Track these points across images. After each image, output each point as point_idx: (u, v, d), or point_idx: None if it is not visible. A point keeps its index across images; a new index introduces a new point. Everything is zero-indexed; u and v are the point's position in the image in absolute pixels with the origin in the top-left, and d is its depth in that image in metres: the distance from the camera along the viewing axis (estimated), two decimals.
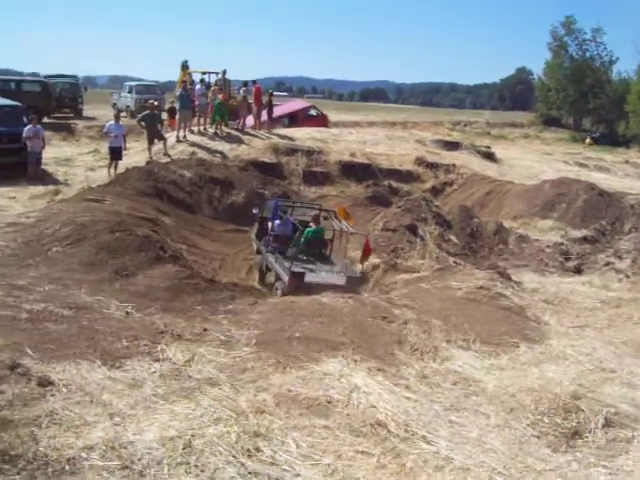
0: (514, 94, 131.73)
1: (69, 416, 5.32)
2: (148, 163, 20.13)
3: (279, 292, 12.65)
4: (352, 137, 28.14)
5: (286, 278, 12.39)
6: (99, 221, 12.40)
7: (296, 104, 37.44)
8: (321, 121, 33.09)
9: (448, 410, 6.06)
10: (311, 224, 14.14)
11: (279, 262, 13.15)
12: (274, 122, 29.13)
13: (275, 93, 37.25)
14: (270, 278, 13.82)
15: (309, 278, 12.58)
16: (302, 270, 12.68)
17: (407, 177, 24.43)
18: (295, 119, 32.27)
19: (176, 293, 10.05)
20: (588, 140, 49.87)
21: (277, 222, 14.28)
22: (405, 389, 6.46)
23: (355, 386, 6.29)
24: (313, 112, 34.47)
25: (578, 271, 14.32)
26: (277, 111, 32.13)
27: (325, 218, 14.79)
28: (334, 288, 11.76)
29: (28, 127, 19.06)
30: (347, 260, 13.85)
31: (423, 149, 28.55)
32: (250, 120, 26.64)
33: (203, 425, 5.34)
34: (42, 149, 19.73)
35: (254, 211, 16.19)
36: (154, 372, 6.54)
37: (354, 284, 12.57)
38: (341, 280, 12.65)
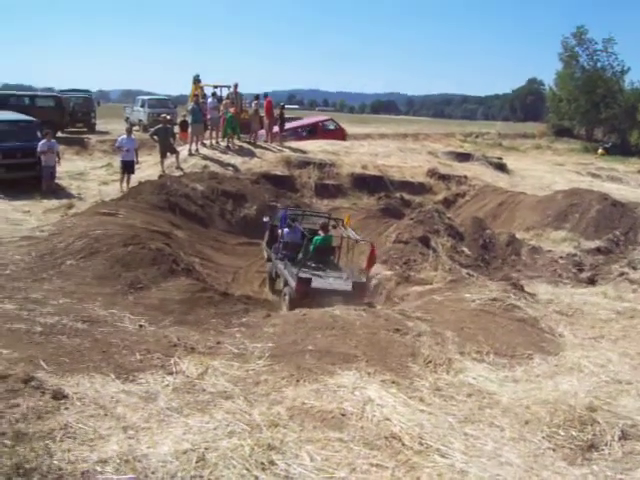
0: (525, 105, 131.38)
1: (83, 429, 5.32)
2: (161, 177, 20.22)
3: (287, 298, 12.88)
4: (364, 149, 28.17)
5: (293, 284, 12.56)
6: (112, 235, 12.47)
7: (316, 118, 38.37)
8: (339, 134, 33.21)
9: (462, 423, 6.02)
10: (320, 232, 14.43)
11: (287, 268, 13.41)
12: (294, 133, 30.27)
13: (287, 106, 37.59)
14: (280, 285, 13.96)
15: (316, 284, 12.77)
16: (309, 276, 12.84)
17: (419, 189, 24.45)
18: (315, 131, 32.67)
19: (190, 306, 10.10)
20: (600, 150, 49.64)
21: (286, 230, 14.58)
22: (419, 401, 6.42)
23: (369, 399, 6.26)
24: (331, 126, 34.60)
25: (592, 282, 14.26)
26: (298, 123, 34.44)
27: (333, 227, 15.07)
28: (341, 294, 12.26)
29: (42, 142, 19.25)
30: (354, 267, 13.90)
31: (435, 161, 28.57)
32: (262, 133, 26.82)
33: (217, 438, 5.32)
34: (56, 163, 19.89)
35: (265, 219, 16.46)
36: (168, 385, 6.54)
37: (360, 290, 12.79)
38: (347, 286, 12.88)
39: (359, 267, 13.89)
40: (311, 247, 13.96)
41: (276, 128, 27.09)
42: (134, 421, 5.60)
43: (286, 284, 13.22)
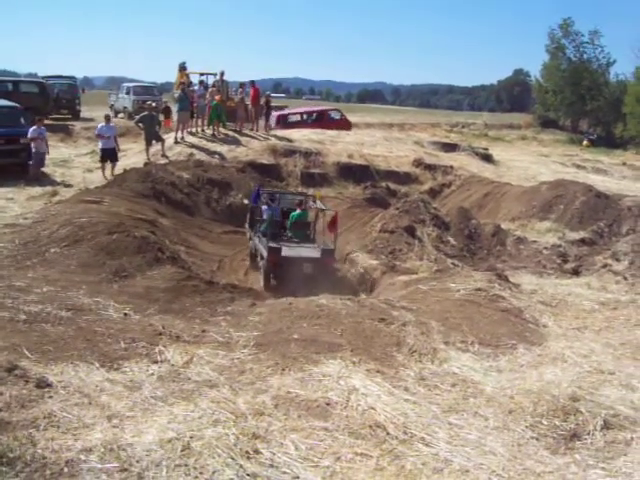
0: (512, 96, 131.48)
1: (67, 418, 5.30)
2: (146, 164, 20.16)
3: (262, 270, 14.15)
4: (350, 138, 28.13)
5: (266, 254, 13.80)
6: (97, 222, 12.41)
7: (323, 107, 41.87)
8: (344, 124, 33.94)
9: (447, 412, 6.04)
10: (297, 209, 15.70)
11: (262, 242, 14.53)
12: (300, 118, 33.35)
13: (272, 95, 37.68)
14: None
15: (285, 252, 13.90)
16: (278, 245, 14.05)
17: (405, 179, 24.47)
18: (322, 119, 33.80)
19: (175, 295, 10.08)
20: (585, 142, 49.96)
21: (265, 207, 15.68)
22: (404, 391, 6.44)
23: (354, 388, 6.28)
24: (337, 116, 35.58)
25: (576, 273, 14.33)
26: (305, 109, 38.38)
27: (305, 203, 16.21)
28: (310, 261, 13.73)
29: (33, 128, 19.14)
30: (325, 237, 15.03)
31: (421, 151, 28.60)
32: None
33: (202, 427, 5.31)
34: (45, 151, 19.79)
35: (245, 201, 17.47)
36: (152, 374, 6.53)
37: (328, 256, 13.96)
38: (316, 253, 14.17)
39: (331, 239, 14.78)
40: (288, 222, 15.43)
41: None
42: (118, 410, 5.59)
43: (262, 258, 14.28)
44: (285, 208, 16.10)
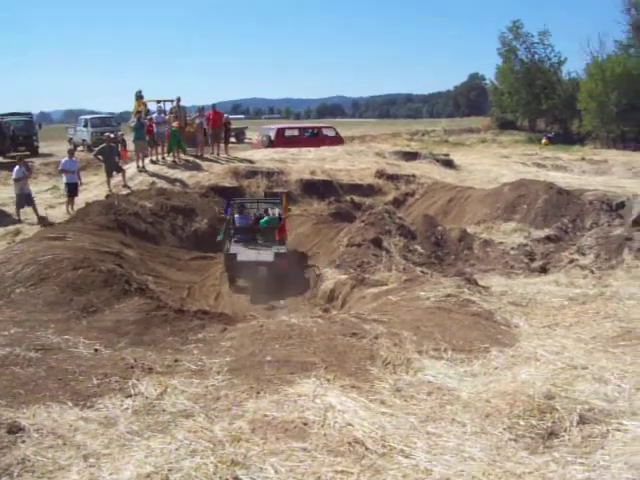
0: (469, 100, 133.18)
1: (42, 462, 5.21)
2: (108, 196, 20.00)
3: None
4: (311, 155, 28.21)
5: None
6: (62, 259, 12.24)
7: (319, 124, 43.84)
8: (337, 141, 35.40)
9: (424, 422, 6.04)
10: (264, 215, 17.61)
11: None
12: (297, 135, 35.14)
13: (232, 116, 38.00)
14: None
15: (241, 257, 15.44)
16: (234, 252, 15.66)
17: (368, 191, 24.58)
18: (317, 134, 35.89)
19: (145, 326, 9.96)
20: (544, 140, 50.74)
21: (237, 216, 17.47)
22: (380, 404, 6.43)
23: (330, 405, 6.25)
24: (332, 133, 36.85)
25: (544, 271, 14.49)
26: (302, 125, 43.07)
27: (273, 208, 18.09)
28: (265, 265, 15.17)
29: (17, 168, 19.35)
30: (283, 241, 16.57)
31: (383, 161, 28.77)
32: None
33: (180, 458, 5.25)
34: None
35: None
36: (127, 408, 6.45)
37: (281, 259, 15.36)
38: (269, 257, 15.44)
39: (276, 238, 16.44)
40: (260, 227, 17.05)
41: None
42: (94, 448, 5.50)
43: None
44: (257, 214, 17.90)
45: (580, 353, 8.05)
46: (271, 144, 32.83)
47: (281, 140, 33.22)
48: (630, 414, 6.00)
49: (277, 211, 17.78)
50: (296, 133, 35.82)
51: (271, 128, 36.18)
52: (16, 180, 18.96)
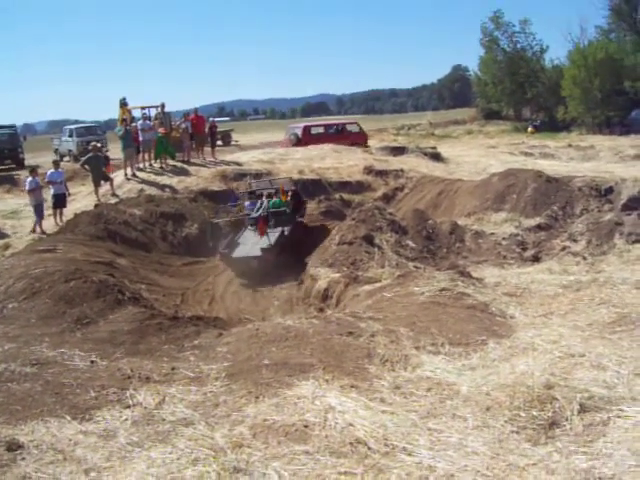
0: (453, 92, 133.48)
1: (43, 478, 5.17)
2: (97, 206, 19.86)
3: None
4: (298, 155, 28.18)
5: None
6: (53, 272, 12.18)
7: (343, 120, 46.36)
8: (361, 137, 35.92)
9: (425, 418, 6.01)
10: (274, 197, 18.78)
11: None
12: (323, 132, 35.65)
13: (217, 119, 37.97)
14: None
15: (234, 254, 16.84)
16: (226, 250, 16.95)
17: (358, 188, 24.58)
18: (342, 130, 36.25)
19: (140, 335, 9.90)
20: (530, 129, 50.97)
21: (247, 203, 19.24)
22: (380, 402, 6.40)
23: (330, 406, 6.21)
24: (356, 129, 37.04)
25: (536, 259, 14.49)
26: (327, 122, 43.61)
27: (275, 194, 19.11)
28: (254, 259, 16.30)
29: (30, 179, 19.41)
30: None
31: (370, 158, 28.76)
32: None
33: (181, 468, 5.22)
34: None
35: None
36: (126, 420, 6.40)
37: (268, 252, 16.40)
38: (256, 252, 16.48)
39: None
40: (268, 207, 18.21)
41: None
42: (95, 462, 5.46)
43: None
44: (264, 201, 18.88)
45: (577, 341, 8.03)
46: (299, 142, 32.98)
47: (308, 137, 33.60)
48: (630, 400, 5.98)
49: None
50: (322, 130, 36.08)
51: (298, 126, 36.38)
52: (30, 191, 18.96)
